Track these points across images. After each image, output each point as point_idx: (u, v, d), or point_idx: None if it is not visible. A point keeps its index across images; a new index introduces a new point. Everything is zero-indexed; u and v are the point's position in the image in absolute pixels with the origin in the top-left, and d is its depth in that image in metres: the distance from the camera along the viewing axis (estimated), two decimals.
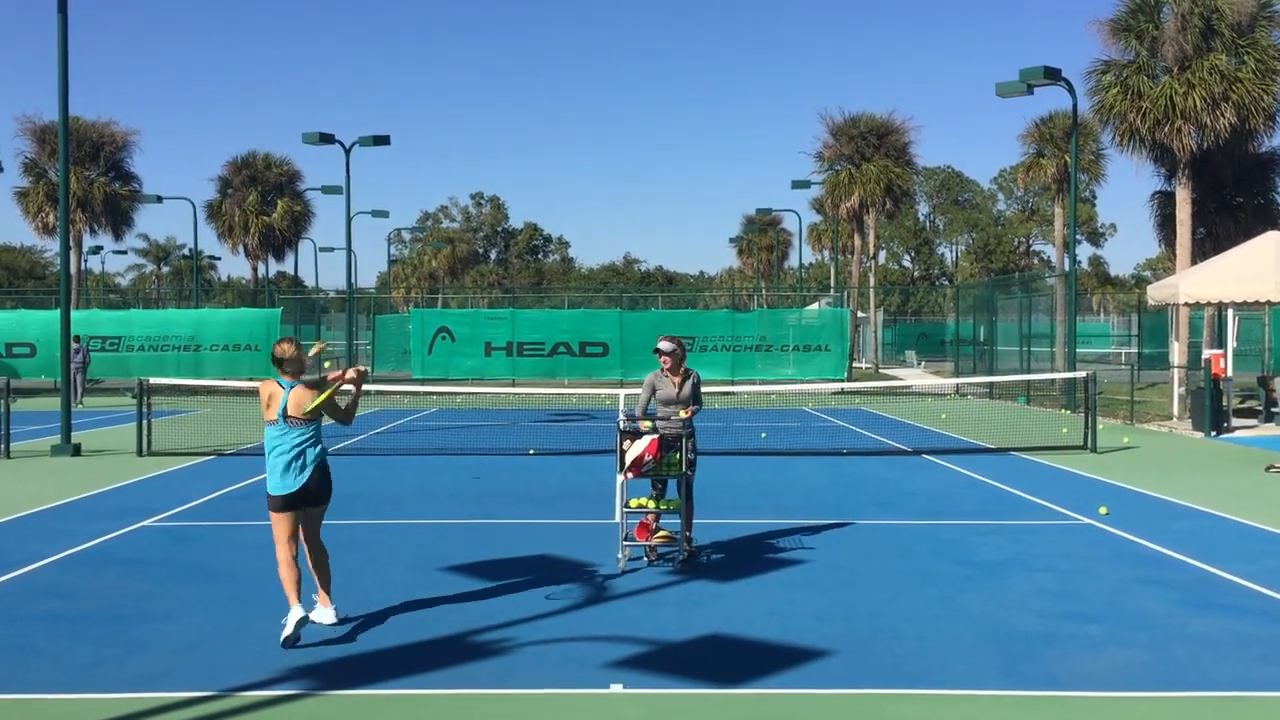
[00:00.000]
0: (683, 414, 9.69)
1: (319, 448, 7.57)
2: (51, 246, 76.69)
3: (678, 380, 9.83)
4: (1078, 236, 34.40)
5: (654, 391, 9.85)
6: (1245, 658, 6.98)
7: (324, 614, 7.69)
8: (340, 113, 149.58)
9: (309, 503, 7.54)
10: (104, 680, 6.56)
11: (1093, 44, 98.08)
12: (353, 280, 40.10)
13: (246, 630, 7.59)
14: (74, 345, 32.83)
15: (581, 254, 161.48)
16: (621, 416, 10.69)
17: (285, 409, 7.44)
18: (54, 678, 6.61)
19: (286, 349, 7.59)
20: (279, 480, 7.45)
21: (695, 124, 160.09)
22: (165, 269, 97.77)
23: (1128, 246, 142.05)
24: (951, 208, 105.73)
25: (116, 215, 45.84)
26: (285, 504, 7.45)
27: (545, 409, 28.55)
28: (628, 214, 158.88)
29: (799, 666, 6.79)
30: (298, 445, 7.46)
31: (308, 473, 7.46)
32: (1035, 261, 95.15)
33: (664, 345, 9.84)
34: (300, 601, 7.31)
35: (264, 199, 51.88)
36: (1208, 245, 30.26)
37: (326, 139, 35.65)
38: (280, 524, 7.48)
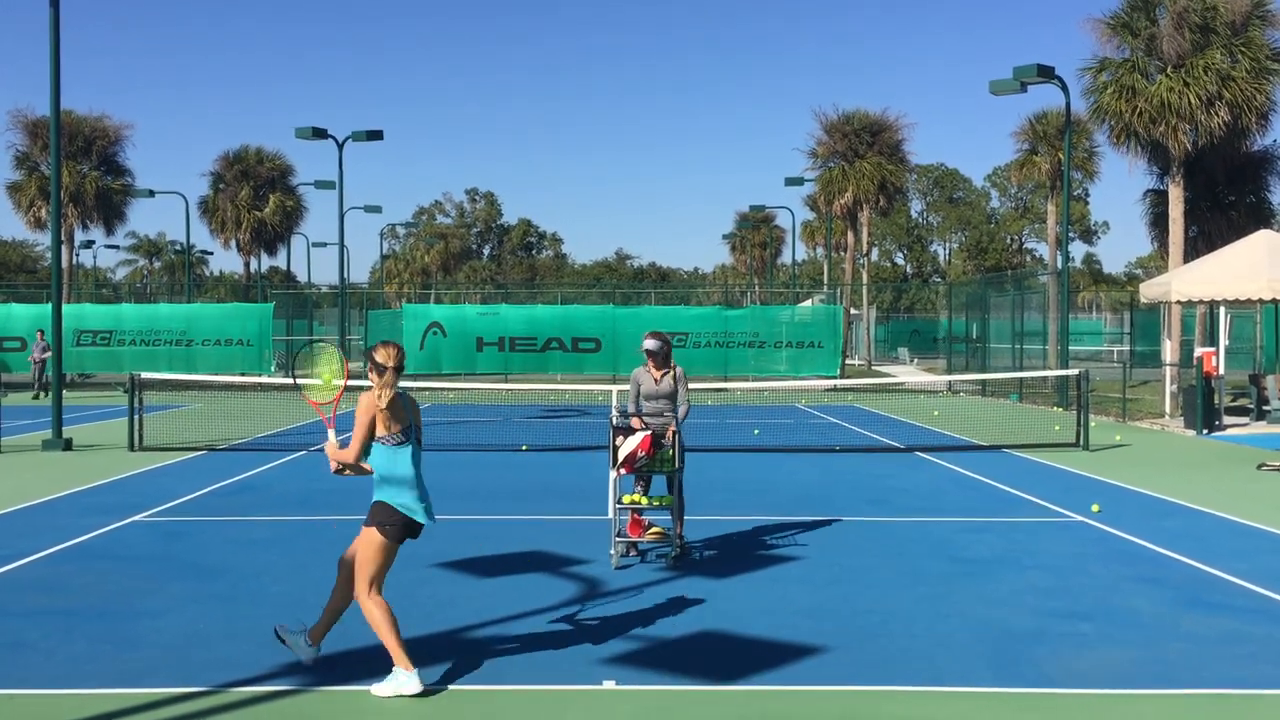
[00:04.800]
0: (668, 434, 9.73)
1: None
2: (43, 241, 76.57)
3: (659, 375, 9.96)
4: (1070, 234, 34.47)
5: (639, 387, 9.99)
6: (1237, 656, 7.00)
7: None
8: (333, 107, 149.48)
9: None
10: (96, 676, 6.54)
11: (1086, 42, 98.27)
12: (345, 276, 40.03)
13: (239, 626, 7.57)
14: (38, 339, 32.03)
15: (575, 250, 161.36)
16: (614, 413, 10.70)
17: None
18: (45, 673, 6.59)
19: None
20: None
21: (689, 120, 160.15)
22: (157, 264, 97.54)
23: (1120, 244, 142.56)
24: (945, 205, 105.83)
25: (109, 210, 45.68)
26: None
27: (537, 405, 28.54)
28: (621, 210, 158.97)
29: (791, 663, 6.79)
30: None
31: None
32: (1028, 259, 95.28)
33: (650, 345, 9.99)
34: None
35: (256, 194, 51.75)
36: (1200, 243, 30.28)
37: (319, 134, 35.58)
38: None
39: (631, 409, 10.02)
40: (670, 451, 9.59)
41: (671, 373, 9.98)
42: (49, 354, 31.46)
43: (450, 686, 6.40)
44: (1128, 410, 24.21)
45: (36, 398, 30.25)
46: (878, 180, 50.44)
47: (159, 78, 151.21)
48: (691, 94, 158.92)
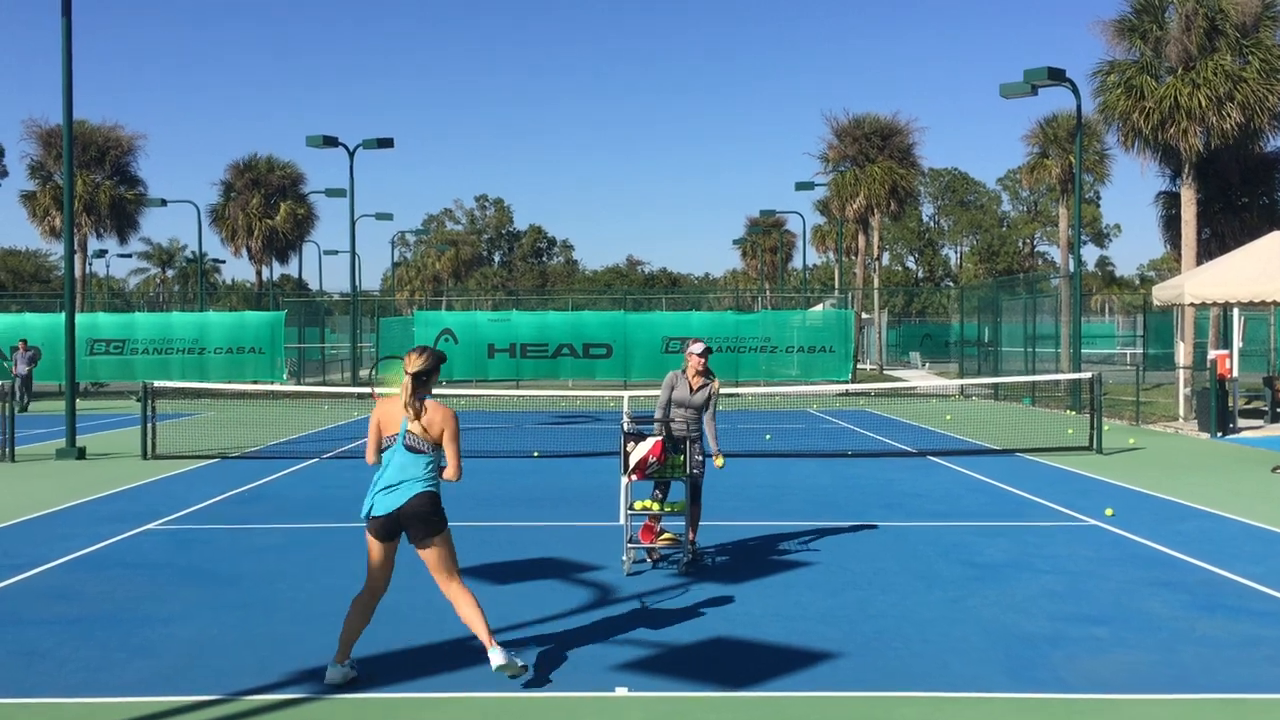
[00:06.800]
0: (717, 463, 9.71)
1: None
2: (57, 250, 76.86)
3: (696, 385, 9.79)
4: (1082, 237, 34.38)
5: (672, 390, 9.82)
6: (1253, 659, 6.96)
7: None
8: (343, 116, 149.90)
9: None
10: (110, 684, 6.55)
11: (1097, 44, 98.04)
12: (357, 283, 40.12)
13: (252, 633, 7.58)
14: (23, 348, 29.82)
15: (585, 256, 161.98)
16: (625, 419, 10.66)
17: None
18: (60, 681, 6.61)
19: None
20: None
21: (699, 126, 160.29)
22: (170, 272, 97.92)
23: (1133, 247, 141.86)
24: (956, 209, 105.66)
25: (121, 219, 45.86)
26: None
27: (549, 411, 28.54)
28: (632, 216, 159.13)
29: (804, 669, 6.77)
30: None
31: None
32: (1040, 262, 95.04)
33: (699, 348, 9.79)
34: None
35: (267, 202, 51.89)
36: (1213, 245, 30.20)
37: (330, 142, 35.68)
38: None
39: (659, 414, 9.81)
40: (681, 458, 9.54)
41: (709, 386, 9.81)
42: (35, 363, 29.74)
43: (463, 693, 6.39)
44: (1141, 413, 24.11)
45: (24, 409, 28.26)
46: (889, 184, 50.38)
47: (171, 87, 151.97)
48: (701, 99, 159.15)
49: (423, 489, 6.43)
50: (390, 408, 6.51)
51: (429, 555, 6.54)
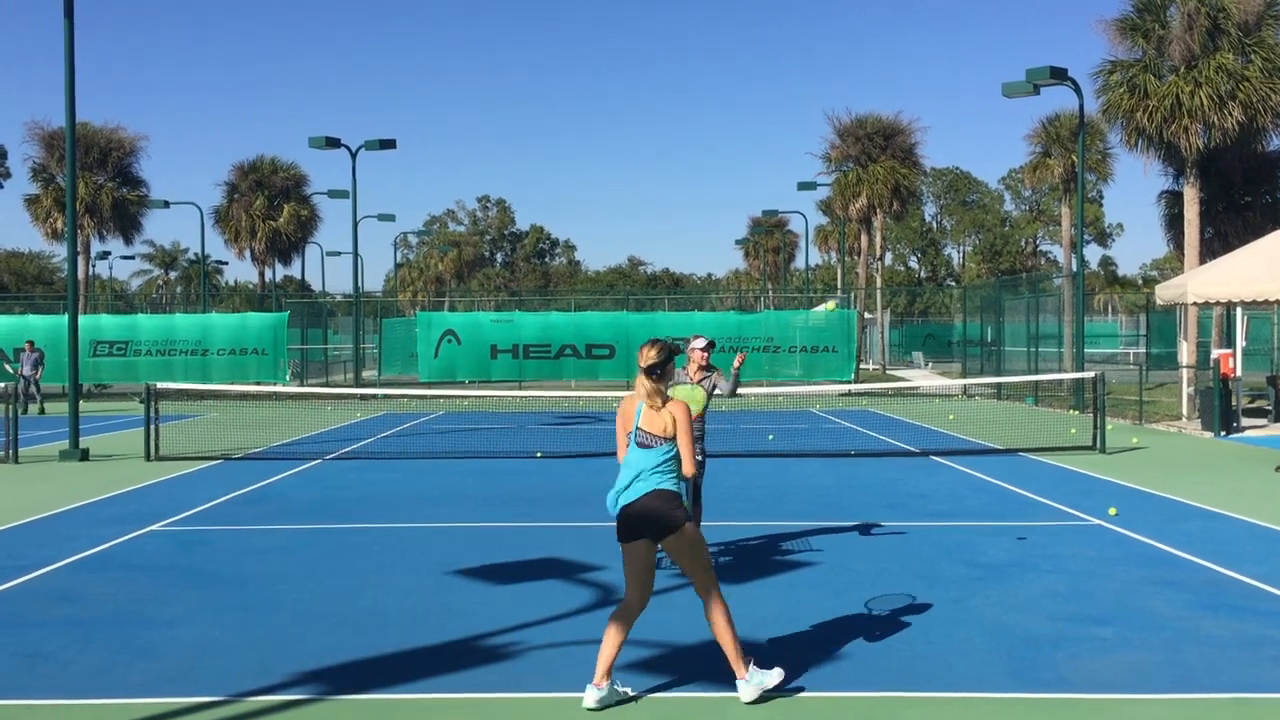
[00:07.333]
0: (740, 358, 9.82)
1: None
2: (60, 252, 76.96)
3: (697, 380, 9.78)
4: (1085, 237, 34.38)
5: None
6: (1257, 659, 6.94)
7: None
8: (346, 117, 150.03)
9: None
10: (112, 685, 6.56)
11: (1099, 43, 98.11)
12: (359, 284, 40.15)
13: (255, 635, 7.59)
14: (29, 349, 29.43)
15: (588, 257, 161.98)
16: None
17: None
18: (62, 683, 6.61)
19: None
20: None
21: (700, 126, 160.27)
22: (172, 274, 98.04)
23: (1136, 246, 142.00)
24: (958, 208, 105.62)
25: (124, 220, 45.89)
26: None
27: (551, 411, 28.54)
28: (634, 217, 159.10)
29: (808, 670, 6.77)
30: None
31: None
32: (1042, 262, 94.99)
33: (701, 343, 9.79)
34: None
35: (270, 203, 51.94)
36: (1216, 244, 30.18)
37: (333, 143, 35.72)
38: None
39: None
40: None
41: (711, 376, 9.81)
42: (42, 367, 29.28)
43: (465, 694, 6.39)
44: (1144, 413, 24.09)
45: (26, 411, 27.45)
46: (891, 184, 50.39)
47: (173, 88, 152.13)
48: (702, 99, 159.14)
49: (654, 486, 6.24)
50: (630, 403, 6.43)
51: (671, 554, 6.32)
